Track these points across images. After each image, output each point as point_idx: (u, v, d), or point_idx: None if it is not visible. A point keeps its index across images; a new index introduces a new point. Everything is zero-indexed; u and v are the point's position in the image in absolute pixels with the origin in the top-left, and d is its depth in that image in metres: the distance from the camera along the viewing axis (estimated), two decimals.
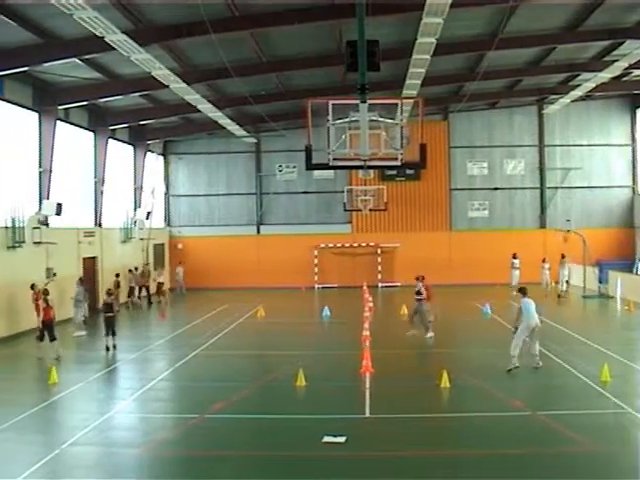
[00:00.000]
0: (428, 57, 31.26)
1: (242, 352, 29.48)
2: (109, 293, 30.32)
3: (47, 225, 35.41)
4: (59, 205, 35.51)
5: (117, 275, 42.24)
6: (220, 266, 54.18)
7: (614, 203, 54.64)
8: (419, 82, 35.84)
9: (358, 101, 18.20)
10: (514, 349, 23.56)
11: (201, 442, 16.91)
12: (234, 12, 28.11)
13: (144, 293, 45.34)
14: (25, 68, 30.84)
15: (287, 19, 29.00)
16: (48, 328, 27.22)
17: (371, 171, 47.08)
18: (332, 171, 51.18)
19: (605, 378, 21.34)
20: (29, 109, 35.46)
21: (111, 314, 29.25)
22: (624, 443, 16.28)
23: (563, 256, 45.07)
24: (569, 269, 45.54)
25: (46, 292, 28.56)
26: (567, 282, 44.39)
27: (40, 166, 36.15)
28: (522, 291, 24.63)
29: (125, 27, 26.58)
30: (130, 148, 49.88)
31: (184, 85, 34.17)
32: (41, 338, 27.47)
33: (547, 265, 45.51)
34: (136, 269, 45.25)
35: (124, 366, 26.19)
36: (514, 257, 46.60)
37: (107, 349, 28.89)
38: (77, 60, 31.17)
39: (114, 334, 29.08)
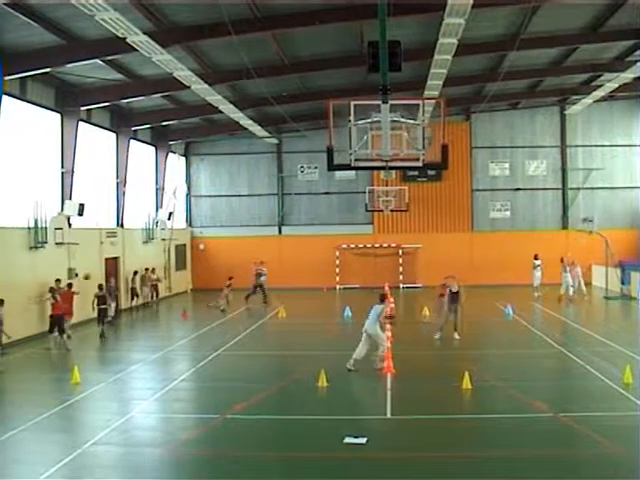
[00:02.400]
0: (450, 57, 31.21)
1: (264, 352, 29.53)
2: (101, 287, 33.43)
3: (70, 225, 35.53)
4: (81, 206, 35.63)
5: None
6: (242, 267, 54.11)
7: (637, 204, 54.23)
8: (441, 83, 35.78)
9: (380, 102, 18.19)
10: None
11: (222, 442, 16.97)
12: (255, 13, 28.16)
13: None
14: (48, 69, 30.99)
15: (308, 20, 29.01)
16: (57, 322, 29.88)
17: (393, 172, 47.03)
18: (354, 172, 51.15)
19: (627, 380, 21.21)
20: (52, 110, 35.63)
21: (104, 306, 32.75)
22: None
23: (562, 260, 44.44)
24: (572, 272, 44.41)
25: (53, 289, 30.75)
26: (572, 287, 43.52)
27: (62, 167, 36.29)
28: (380, 297, 25.40)
29: (147, 28, 26.69)
30: (152, 149, 50.03)
31: (206, 86, 34.28)
32: (50, 330, 30.02)
33: (578, 267, 45.09)
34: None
35: (146, 366, 26.26)
36: (536, 258, 46.36)
37: (101, 336, 32.21)
38: (99, 61, 31.29)
39: (104, 323, 32.64)
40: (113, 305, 36.84)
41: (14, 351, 28.77)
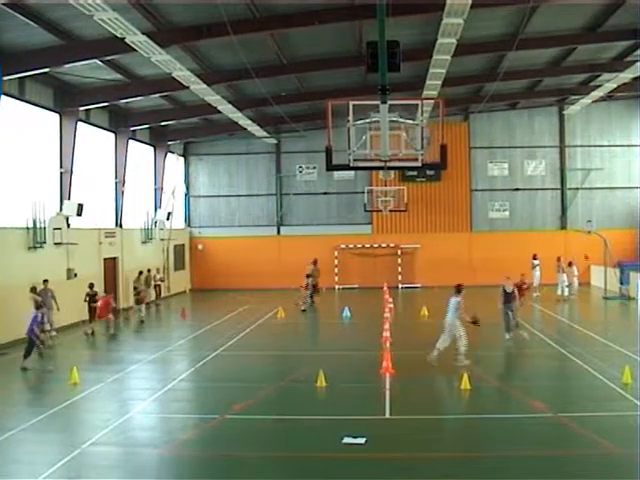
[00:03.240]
0: (449, 57, 31.21)
1: (262, 353, 29.49)
2: (92, 286, 34.24)
3: (68, 225, 35.50)
4: (80, 206, 35.58)
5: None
6: (240, 267, 54.21)
7: (635, 204, 54.22)
8: (440, 83, 35.78)
9: (378, 102, 18.17)
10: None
11: (221, 443, 16.96)
12: (254, 13, 28.16)
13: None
14: (46, 69, 30.97)
15: (307, 20, 29.01)
16: None
17: (391, 172, 47.07)
18: (352, 172, 51.16)
19: (626, 380, 21.21)
20: (50, 110, 35.63)
21: (94, 304, 33.62)
22: None
23: (559, 259, 44.52)
24: (569, 273, 44.46)
25: (34, 289, 30.74)
26: (567, 287, 43.53)
27: (61, 167, 36.29)
28: (456, 288, 25.63)
29: (145, 28, 26.69)
30: (151, 149, 50.02)
31: (204, 86, 34.28)
32: None
33: (574, 268, 45.03)
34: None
35: (144, 366, 26.23)
36: (534, 258, 46.36)
37: (92, 333, 33.18)
38: (98, 61, 31.29)
39: (92, 320, 33.74)
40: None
41: (12, 351, 28.75)
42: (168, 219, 49.59)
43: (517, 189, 55.09)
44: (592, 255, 48.08)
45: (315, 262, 45.63)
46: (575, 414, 18.28)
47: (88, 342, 31.89)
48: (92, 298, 33.88)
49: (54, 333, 31.66)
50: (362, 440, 16.26)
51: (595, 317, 38.61)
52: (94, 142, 40.97)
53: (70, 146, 36.44)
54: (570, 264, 44.36)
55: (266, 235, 55.74)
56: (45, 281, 31.84)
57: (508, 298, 29.44)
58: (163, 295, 47.81)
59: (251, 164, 56.43)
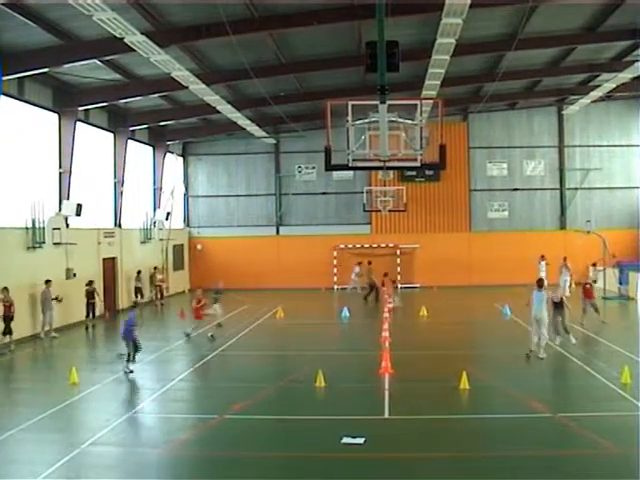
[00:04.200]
0: (448, 57, 31.19)
1: (261, 353, 29.52)
2: (90, 283, 35.61)
3: (67, 225, 35.47)
4: (79, 206, 35.54)
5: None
6: (239, 267, 54.11)
7: (634, 204, 54.16)
8: (439, 83, 35.75)
9: (378, 102, 18.18)
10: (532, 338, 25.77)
11: (220, 443, 16.94)
12: (253, 13, 28.13)
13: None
14: (45, 69, 30.96)
15: (306, 20, 28.98)
16: (6, 322, 29.24)
17: (390, 172, 47.01)
18: (351, 172, 51.12)
19: (625, 380, 21.21)
20: (49, 110, 35.61)
21: (92, 300, 35.40)
22: None
23: (565, 259, 44.52)
24: (568, 272, 44.57)
25: (6, 290, 29.53)
26: (570, 287, 43.50)
27: (60, 167, 36.26)
28: (538, 283, 26.55)
29: (144, 28, 26.67)
30: (150, 149, 50.01)
31: (203, 86, 34.26)
32: (5, 333, 29.16)
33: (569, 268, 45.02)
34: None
35: (144, 366, 26.16)
36: (542, 259, 46.43)
37: (87, 328, 35.02)
38: (97, 61, 31.28)
39: (94, 316, 35.58)
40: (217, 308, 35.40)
41: (10, 352, 28.73)
42: (167, 219, 49.55)
43: (516, 189, 55.05)
44: (592, 256, 48.02)
45: (368, 262, 47.28)
46: (575, 414, 18.29)
47: (90, 338, 31.88)
48: (91, 295, 34.83)
49: (54, 334, 31.70)
50: (361, 440, 16.25)
51: (594, 317, 38.57)
52: (93, 142, 40.95)
53: (69, 146, 36.42)
54: (595, 265, 44.31)
55: (265, 235, 55.71)
56: (47, 281, 31.87)
57: (557, 306, 29.46)
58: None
59: (250, 164, 56.39)
